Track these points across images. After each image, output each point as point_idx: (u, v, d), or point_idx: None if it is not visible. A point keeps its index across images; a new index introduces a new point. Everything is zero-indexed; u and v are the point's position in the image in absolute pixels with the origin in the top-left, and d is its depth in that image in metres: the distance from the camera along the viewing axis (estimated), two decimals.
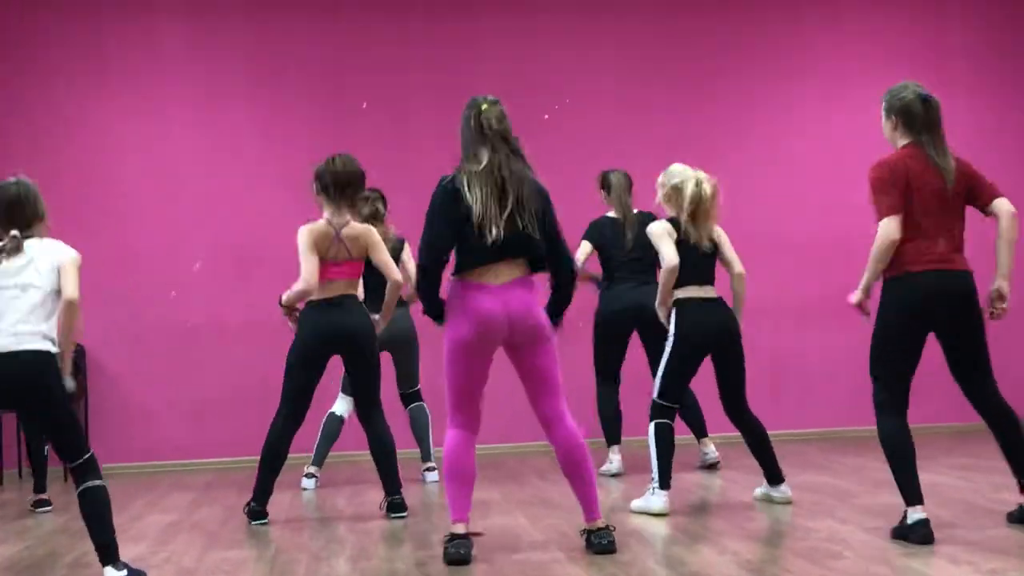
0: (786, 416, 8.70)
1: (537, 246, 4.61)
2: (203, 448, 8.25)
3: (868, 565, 4.30)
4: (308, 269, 5.63)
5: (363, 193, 6.07)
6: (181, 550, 5.15)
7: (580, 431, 4.76)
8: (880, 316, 4.78)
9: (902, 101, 4.79)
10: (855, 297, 4.82)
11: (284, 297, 5.74)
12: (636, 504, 5.70)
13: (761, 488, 5.85)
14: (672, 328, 5.69)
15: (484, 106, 4.62)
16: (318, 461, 6.95)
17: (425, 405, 7.05)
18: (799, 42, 9.10)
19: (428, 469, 7.04)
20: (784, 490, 5.77)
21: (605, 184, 7.18)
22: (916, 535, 4.62)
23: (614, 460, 7.00)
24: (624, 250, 7.00)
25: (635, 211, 7.08)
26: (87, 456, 4.50)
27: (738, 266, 5.79)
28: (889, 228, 4.66)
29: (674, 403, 5.71)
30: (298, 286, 5.66)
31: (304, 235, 5.68)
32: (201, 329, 8.33)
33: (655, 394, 5.72)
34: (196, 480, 7.55)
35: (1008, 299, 4.79)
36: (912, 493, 4.68)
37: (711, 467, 7.03)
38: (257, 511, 5.79)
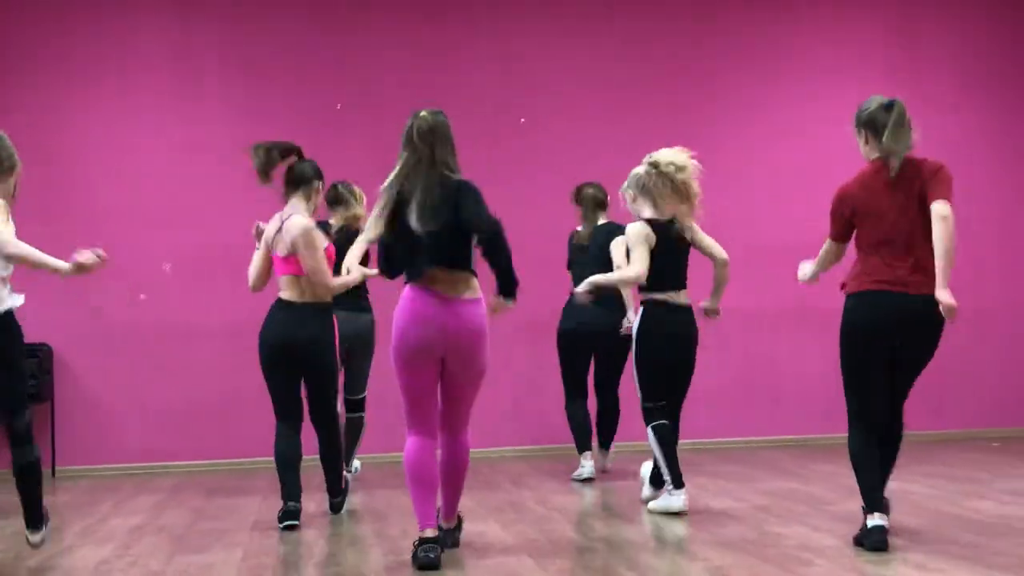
0: (759, 422, 8.72)
1: (444, 248, 4.58)
2: (170, 451, 8.16)
3: (838, 572, 4.30)
4: (251, 265, 5.82)
5: (307, 184, 5.78)
6: (147, 553, 5.09)
7: (468, 445, 4.86)
8: (840, 333, 4.84)
9: (867, 113, 4.80)
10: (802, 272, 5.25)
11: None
12: (655, 504, 5.75)
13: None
14: (635, 330, 5.75)
15: (422, 113, 4.68)
16: (345, 459, 6.89)
17: (364, 417, 6.94)
18: (793, 46, 9.08)
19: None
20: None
21: (577, 198, 7.20)
22: (870, 540, 4.65)
23: (586, 465, 6.98)
24: (583, 264, 6.98)
25: (602, 222, 7.08)
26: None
27: (721, 252, 5.83)
28: (825, 248, 5.06)
29: (660, 401, 5.73)
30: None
31: None
32: (170, 331, 8.24)
33: (641, 399, 5.76)
34: (163, 483, 7.47)
35: (951, 307, 4.47)
36: (872, 501, 4.72)
37: (585, 480, 6.99)
38: (286, 511, 5.61)
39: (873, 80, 8.73)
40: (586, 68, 8.78)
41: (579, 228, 7.20)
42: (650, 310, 5.74)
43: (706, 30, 8.94)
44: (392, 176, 4.65)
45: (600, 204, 7.13)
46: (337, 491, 5.95)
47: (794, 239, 8.76)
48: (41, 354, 7.82)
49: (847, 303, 4.82)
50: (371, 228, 4.70)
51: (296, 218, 5.64)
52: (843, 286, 4.87)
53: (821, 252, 5.09)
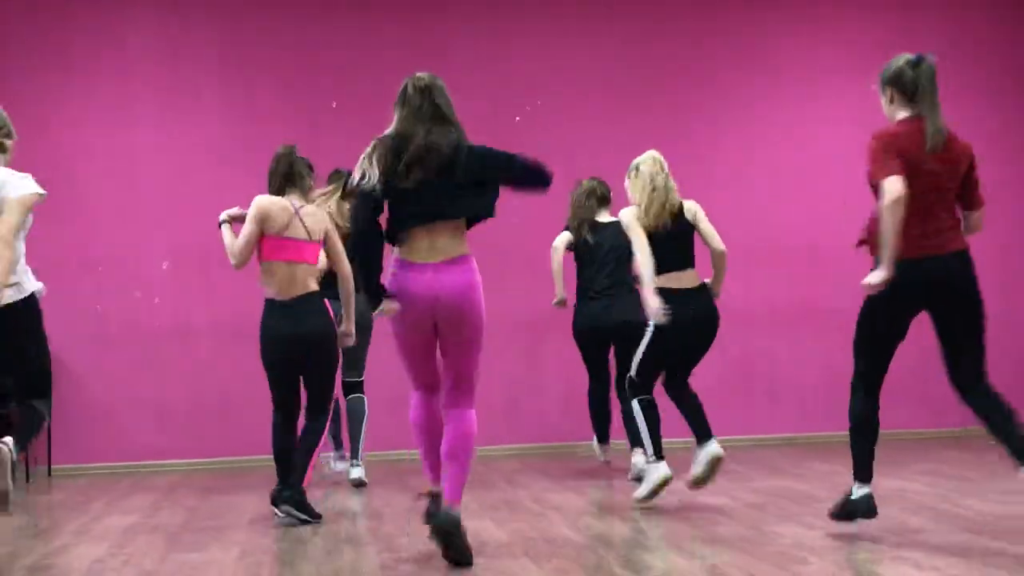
0: (755, 421, 8.72)
1: (451, 206, 4.51)
2: (166, 450, 8.16)
3: (834, 570, 4.30)
4: (243, 240, 5.62)
5: (303, 175, 5.84)
6: (141, 552, 5.08)
7: (474, 421, 4.67)
8: (866, 298, 4.69)
9: (893, 70, 4.68)
10: (876, 277, 4.50)
11: (223, 230, 5.77)
12: (640, 492, 5.77)
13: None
14: (656, 316, 5.64)
15: (417, 74, 4.65)
16: (353, 447, 6.90)
17: (365, 399, 6.92)
18: (793, 46, 9.08)
19: (354, 466, 6.89)
20: (715, 447, 5.74)
21: (572, 197, 7.07)
22: (861, 509, 4.71)
23: (600, 453, 7.05)
24: (590, 257, 6.90)
25: (608, 219, 6.96)
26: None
27: (718, 243, 5.81)
28: (895, 186, 4.43)
29: (651, 382, 5.78)
30: (230, 256, 5.68)
31: (255, 205, 5.65)
32: (166, 330, 8.24)
33: (633, 373, 5.79)
34: (158, 481, 7.47)
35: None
36: (863, 470, 4.75)
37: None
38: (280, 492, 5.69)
39: (856, 89, 8.79)
40: (586, 68, 8.78)
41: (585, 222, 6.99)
42: (670, 300, 5.59)
43: (706, 29, 8.93)
44: (388, 130, 4.57)
45: (603, 199, 7.00)
46: (299, 482, 5.66)
47: (793, 239, 8.84)
48: None
49: (875, 267, 4.58)
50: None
51: (313, 208, 5.81)
52: (861, 243, 4.72)
53: (885, 207, 4.42)
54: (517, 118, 8.57)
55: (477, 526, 5.34)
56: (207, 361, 8.19)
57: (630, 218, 5.73)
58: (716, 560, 4.54)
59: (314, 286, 5.72)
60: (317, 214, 5.79)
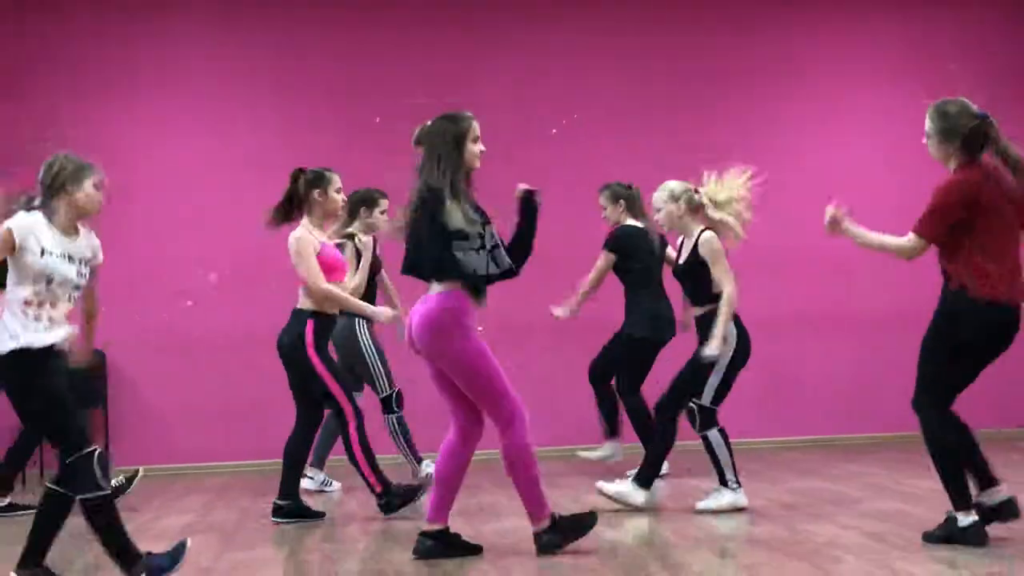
0: (786, 423, 8.78)
1: (415, 259, 4.75)
2: (219, 451, 8.38)
3: (868, 569, 4.37)
4: None
5: (291, 198, 6.00)
6: (197, 550, 5.17)
7: (510, 445, 4.82)
8: (980, 333, 4.70)
9: (967, 128, 4.68)
10: None
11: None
12: (708, 504, 5.77)
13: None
14: (733, 342, 5.71)
15: (428, 122, 4.82)
16: (316, 463, 6.95)
17: (393, 417, 6.88)
18: (806, 62, 9.17)
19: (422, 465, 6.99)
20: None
21: (620, 196, 7.06)
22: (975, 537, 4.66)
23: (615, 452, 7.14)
24: (657, 262, 6.95)
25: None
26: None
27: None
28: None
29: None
30: None
31: None
32: (217, 336, 8.44)
33: (708, 402, 5.74)
34: (212, 482, 7.67)
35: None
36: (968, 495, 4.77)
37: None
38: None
39: (873, 98, 8.87)
40: (615, 80, 8.89)
41: (635, 223, 7.00)
42: (738, 325, 5.74)
43: (733, 40, 9.02)
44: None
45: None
46: (372, 489, 5.92)
47: (822, 242, 8.79)
48: (94, 358, 8.03)
49: (994, 310, 4.60)
50: None
51: (298, 232, 5.93)
52: (976, 290, 4.60)
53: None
54: (554, 131, 8.71)
55: (517, 525, 5.45)
56: (256, 366, 8.34)
57: (720, 248, 5.80)
58: (752, 560, 4.64)
59: (299, 304, 5.94)
60: (292, 238, 5.90)
